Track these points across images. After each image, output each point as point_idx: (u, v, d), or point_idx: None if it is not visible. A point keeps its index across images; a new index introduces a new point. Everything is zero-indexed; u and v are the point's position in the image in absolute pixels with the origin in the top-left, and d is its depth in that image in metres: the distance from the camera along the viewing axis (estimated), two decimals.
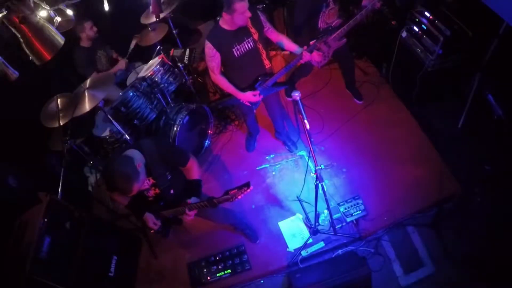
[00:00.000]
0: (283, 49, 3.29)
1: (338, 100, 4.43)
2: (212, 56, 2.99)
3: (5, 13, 2.16)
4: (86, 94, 3.39)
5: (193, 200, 2.60)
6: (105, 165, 2.34)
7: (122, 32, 4.63)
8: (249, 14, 2.81)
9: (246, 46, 2.99)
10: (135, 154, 2.32)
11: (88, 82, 3.50)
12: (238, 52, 2.98)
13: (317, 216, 3.20)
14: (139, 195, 2.44)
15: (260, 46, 3.02)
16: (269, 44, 3.26)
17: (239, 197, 2.35)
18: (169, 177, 2.52)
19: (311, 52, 3.09)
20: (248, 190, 2.33)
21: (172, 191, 2.58)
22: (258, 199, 3.79)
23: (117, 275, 3.20)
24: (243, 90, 3.20)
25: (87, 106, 3.31)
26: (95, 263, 3.05)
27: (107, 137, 3.70)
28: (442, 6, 3.56)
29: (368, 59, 4.76)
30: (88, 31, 4.01)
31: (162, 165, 2.45)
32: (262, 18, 3.03)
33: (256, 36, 2.96)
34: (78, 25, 3.92)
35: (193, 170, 2.67)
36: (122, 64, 4.31)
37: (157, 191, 2.55)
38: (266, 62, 3.13)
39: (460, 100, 3.89)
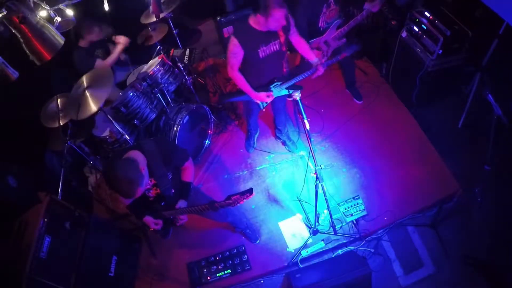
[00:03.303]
0: (290, 51, 3.29)
1: (338, 100, 4.44)
2: (236, 53, 2.93)
3: (5, 13, 2.16)
4: (87, 94, 3.36)
5: (180, 203, 2.60)
6: (107, 168, 2.30)
7: (121, 31, 4.63)
8: (284, 22, 2.79)
9: (272, 48, 2.95)
10: (137, 156, 2.30)
11: (85, 80, 3.42)
12: (263, 53, 2.95)
13: (317, 216, 3.20)
14: (140, 195, 2.43)
15: (284, 49, 3.01)
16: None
17: (241, 202, 2.36)
18: (170, 177, 2.52)
19: (325, 66, 3.11)
20: (250, 196, 2.34)
21: (173, 191, 2.58)
22: (258, 199, 3.79)
23: (117, 275, 3.19)
24: (256, 89, 3.19)
25: (92, 107, 3.23)
26: (95, 263, 3.04)
27: (107, 137, 3.70)
28: (442, 6, 3.57)
29: (368, 59, 4.77)
30: (95, 36, 3.97)
31: (163, 165, 2.44)
32: (292, 22, 3.01)
33: (282, 39, 2.94)
34: (87, 28, 3.90)
35: (188, 171, 2.67)
36: (122, 40, 4.08)
37: (158, 191, 2.55)
38: (285, 65, 3.16)
39: (460, 100, 3.89)
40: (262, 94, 3.19)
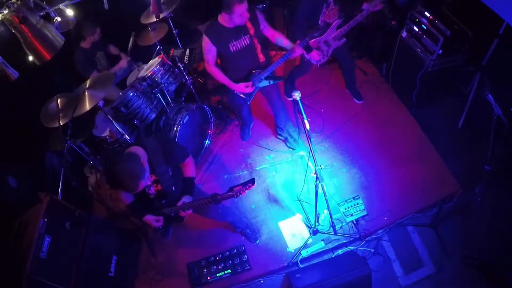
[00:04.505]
0: (282, 49, 3.35)
1: (338, 100, 4.43)
2: (209, 50, 3.12)
3: (5, 13, 2.16)
4: (86, 94, 3.39)
5: (185, 199, 2.61)
6: (109, 163, 2.31)
7: (122, 32, 4.63)
8: (247, 15, 2.94)
9: (243, 42, 3.12)
10: (138, 151, 2.33)
11: (88, 82, 3.51)
12: (234, 48, 3.11)
13: (317, 216, 3.20)
14: (140, 193, 2.44)
15: (256, 41, 3.14)
16: (267, 43, 3.37)
17: (243, 193, 2.38)
18: (170, 174, 2.53)
19: (303, 46, 3.18)
20: (252, 187, 2.36)
21: (173, 188, 2.59)
22: (258, 199, 3.79)
23: (117, 275, 3.19)
24: (236, 81, 3.32)
25: (87, 105, 3.31)
26: (95, 263, 3.04)
27: (107, 137, 3.70)
28: (442, 6, 3.57)
29: (368, 59, 4.76)
30: (97, 35, 4.09)
31: (164, 161, 2.47)
32: (260, 16, 3.16)
33: (252, 32, 3.08)
34: (89, 29, 3.97)
35: (189, 167, 2.68)
36: (124, 62, 4.32)
37: (159, 187, 2.55)
38: (261, 56, 3.24)
39: (460, 100, 3.89)
40: (241, 85, 3.31)
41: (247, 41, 3.11)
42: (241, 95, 3.43)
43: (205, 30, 3.10)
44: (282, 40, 3.27)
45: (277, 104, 3.70)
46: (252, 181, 2.35)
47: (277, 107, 3.74)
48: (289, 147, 4.08)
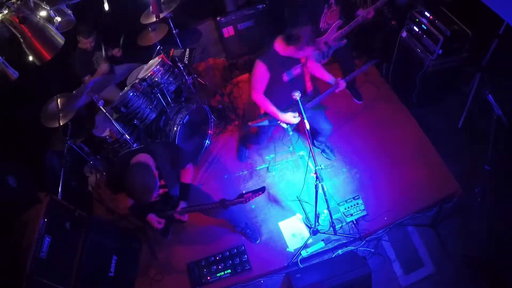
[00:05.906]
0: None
1: (338, 100, 4.41)
2: (262, 78, 2.95)
3: (5, 13, 2.16)
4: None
5: (182, 204, 2.62)
6: (119, 173, 2.29)
7: (122, 32, 4.63)
8: (311, 54, 2.90)
9: (295, 71, 3.02)
10: (148, 160, 2.32)
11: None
12: (287, 77, 3.00)
13: (317, 216, 3.20)
14: None
15: (305, 70, 3.06)
16: None
17: (251, 199, 2.43)
18: (175, 178, 2.56)
19: (347, 81, 3.09)
20: (262, 194, 2.41)
21: (178, 192, 2.61)
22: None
23: (117, 275, 3.19)
24: (282, 110, 3.11)
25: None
26: (95, 263, 3.04)
27: (107, 137, 3.70)
28: (442, 6, 3.57)
29: (368, 59, 4.76)
30: (83, 44, 3.94)
31: (170, 167, 2.49)
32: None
33: (304, 60, 3.00)
34: (78, 34, 3.86)
35: (188, 173, 2.70)
36: (104, 67, 4.10)
37: (161, 191, 2.56)
38: (308, 85, 3.16)
39: (460, 100, 3.90)
40: (289, 115, 3.10)
41: (299, 70, 3.02)
42: (284, 125, 3.20)
43: (260, 56, 2.93)
44: (321, 73, 3.17)
45: (324, 125, 3.50)
46: (262, 189, 2.40)
47: (322, 126, 3.52)
48: (326, 158, 3.93)
